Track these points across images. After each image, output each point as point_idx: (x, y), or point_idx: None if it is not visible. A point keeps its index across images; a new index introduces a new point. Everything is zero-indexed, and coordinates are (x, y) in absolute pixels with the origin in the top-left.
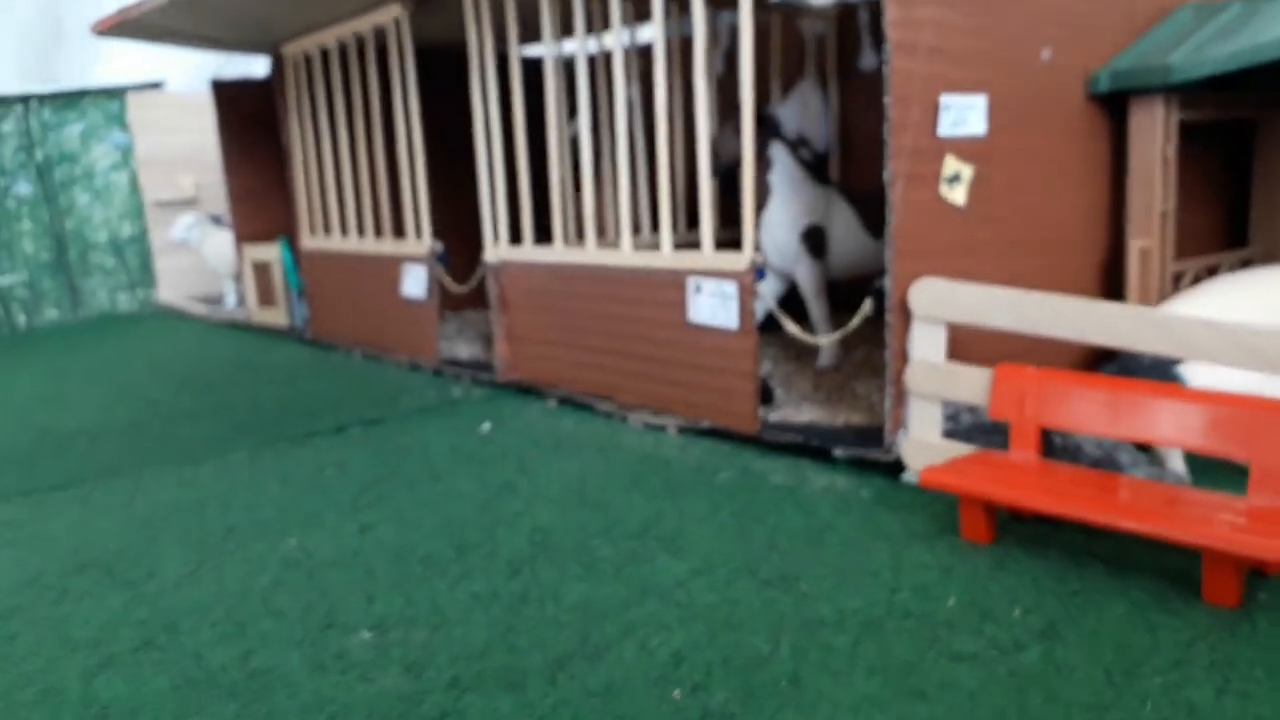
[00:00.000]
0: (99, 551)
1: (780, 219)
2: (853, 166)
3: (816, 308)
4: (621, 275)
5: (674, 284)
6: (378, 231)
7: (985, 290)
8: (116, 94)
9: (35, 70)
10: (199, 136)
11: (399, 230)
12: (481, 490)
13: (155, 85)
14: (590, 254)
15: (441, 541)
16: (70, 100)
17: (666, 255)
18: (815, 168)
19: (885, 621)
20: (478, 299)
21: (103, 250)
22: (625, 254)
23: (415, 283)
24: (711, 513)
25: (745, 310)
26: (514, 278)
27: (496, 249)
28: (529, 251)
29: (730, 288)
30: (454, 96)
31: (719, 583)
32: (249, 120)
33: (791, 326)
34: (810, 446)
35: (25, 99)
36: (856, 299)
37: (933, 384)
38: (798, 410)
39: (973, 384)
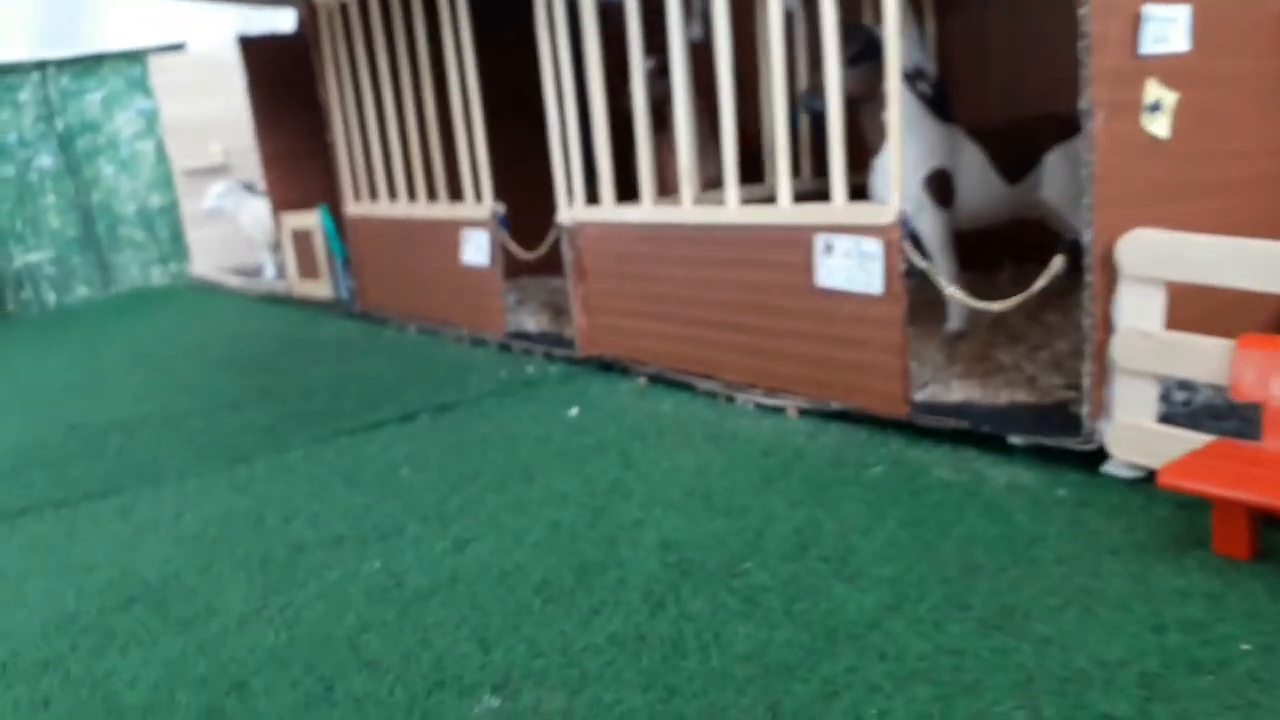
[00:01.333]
0: (146, 580)
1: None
2: (955, 102)
3: (943, 262)
4: (727, 235)
5: (796, 243)
6: (431, 195)
7: (1225, 243)
8: (137, 57)
9: (50, 35)
10: (225, 100)
11: (455, 193)
12: (586, 492)
13: (177, 47)
14: (687, 211)
15: (554, 560)
16: (89, 65)
17: (785, 209)
18: (937, 103)
19: (1169, 678)
20: (537, 265)
21: (132, 223)
22: (731, 210)
23: (476, 249)
24: (876, 521)
25: (891, 272)
26: (593, 241)
27: (571, 209)
28: (610, 211)
29: (872, 245)
30: (510, 39)
31: (924, 623)
32: (281, 79)
33: (952, 288)
34: (979, 433)
35: (42, 65)
36: (984, 254)
37: (1148, 358)
38: (946, 388)
39: (1204, 357)
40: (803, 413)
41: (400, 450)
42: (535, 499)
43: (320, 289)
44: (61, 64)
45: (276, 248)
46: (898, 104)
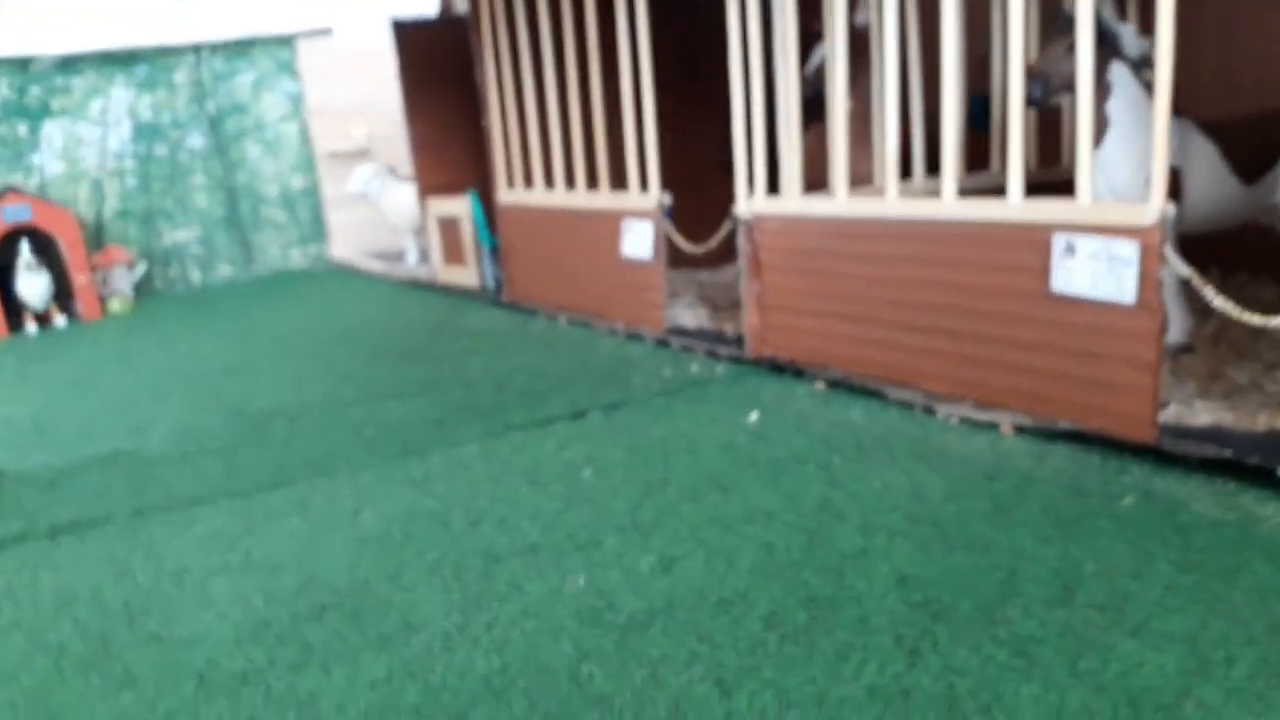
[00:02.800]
0: (335, 586)
1: (1121, 158)
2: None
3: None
4: (940, 231)
5: (1028, 242)
6: (591, 183)
7: None
8: (286, 41)
9: (205, 18)
10: (368, 85)
11: (618, 181)
12: (793, 510)
13: (324, 32)
14: (892, 204)
15: (778, 590)
16: (241, 48)
17: (1017, 205)
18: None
19: None
20: (683, 257)
21: (274, 204)
22: (948, 204)
23: (638, 241)
24: (1144, 563)
25: (1148, 279)
26: (773, 235)
27: (751, 201)
28: (796, 203)
29: (1127, 248)
30: (679, 21)
31: (1245, 694)
32: (432, 62)
33: (1220, 300)
34: (1238, 464)
35: (197, 48)
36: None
37: None
38: (1189, 409)
39: None
40: (1019, 430)
41: (577, 450)
42: (736, 514)
43: (466, 276)
44: (215, 47)
45: (419, 233)
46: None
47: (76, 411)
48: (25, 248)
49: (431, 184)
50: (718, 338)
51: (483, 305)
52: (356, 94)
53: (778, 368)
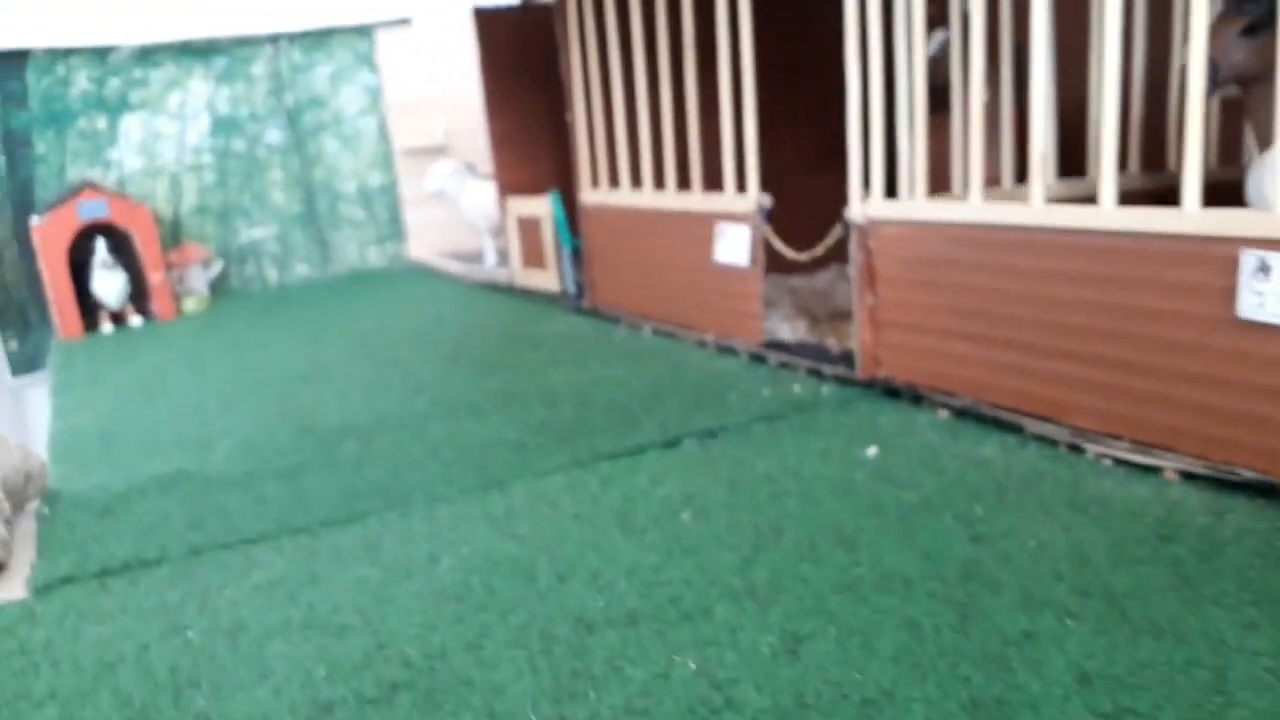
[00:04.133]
0: (407, 657)
1: None
2: None
3: None
4: (1097, 243)
5: (1209, 259)
6: (683, 183)
7: None
8: (365, 31)
9: (282, 7)
10: (448, 78)
11: (711, 181)
12: (933, 575)
13: (404, 21)
14: (1038, 211)
15: (932, 686)
16: (319, 39)
17: (1194, 214)
18: None
19: None
20: (778, 261)
21: (352, 201)
22: (1108, 212)
23: (733, 246)
24: None
25: None
26: (891, 242)
27: (866, 204)
28: (920, 207)
29: None
30: (774, 12)
31: None
32: (515, 53)
33: None
34: None
35: (275, 38)
36: None
37: None
38: None
39: None
40: (1186, 477)
41: (673, 486)
42: (868, 579)
43: (545, 280)
44: (294, 37)
45: (498, 233)
46: None
47: (142, 421)
48: (102, 245)
49: (511, 182)
50: (821, 354)
51: (563, 311)
52: (435, 87)
53: (892, 391)
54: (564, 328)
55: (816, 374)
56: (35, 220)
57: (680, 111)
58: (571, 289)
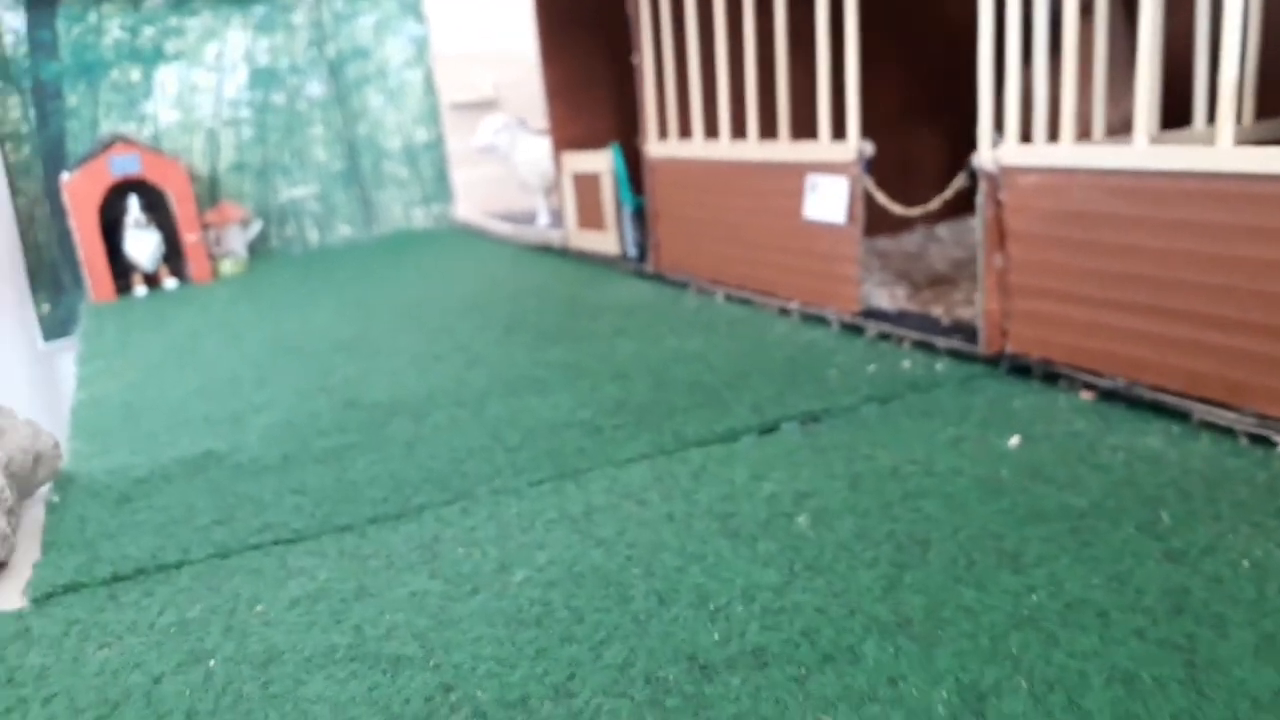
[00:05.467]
0: (478, 703)
1: None
2: None
3: None
4: None
5: None
6: (766, 131)
7: None
8: None
9: None
10: (497, 25)
11: (802, 129)
12: (1135, 607)
13: None
14: (1224, 155)
15: None
16: None
17: None
18: None
19: None
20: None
21: (396, 159)
22: None
23: (828, 201)
24: None
25: None
26: (1029, 194)
27: (997, 149)
28: (1066, 152)
29: None
30: None
31: None
32: None
33: None
34: None
35: None
36: None
37: None
38: None
39: None
40: None
41: (779, 481)
42: (1050, 611)
43: (604, 242)
44: None
45: (552, 192)
46: None
47: (171, 392)
48: (134, 203)
49: (567, 137)
50: (928, 324)
51: (624, 275)
52: (484, 38)
53: (1021, 368)
54: (627, 294)
55: (927, 347)
56: (65, 176)
57: (766, 51)
58: (632, 251)
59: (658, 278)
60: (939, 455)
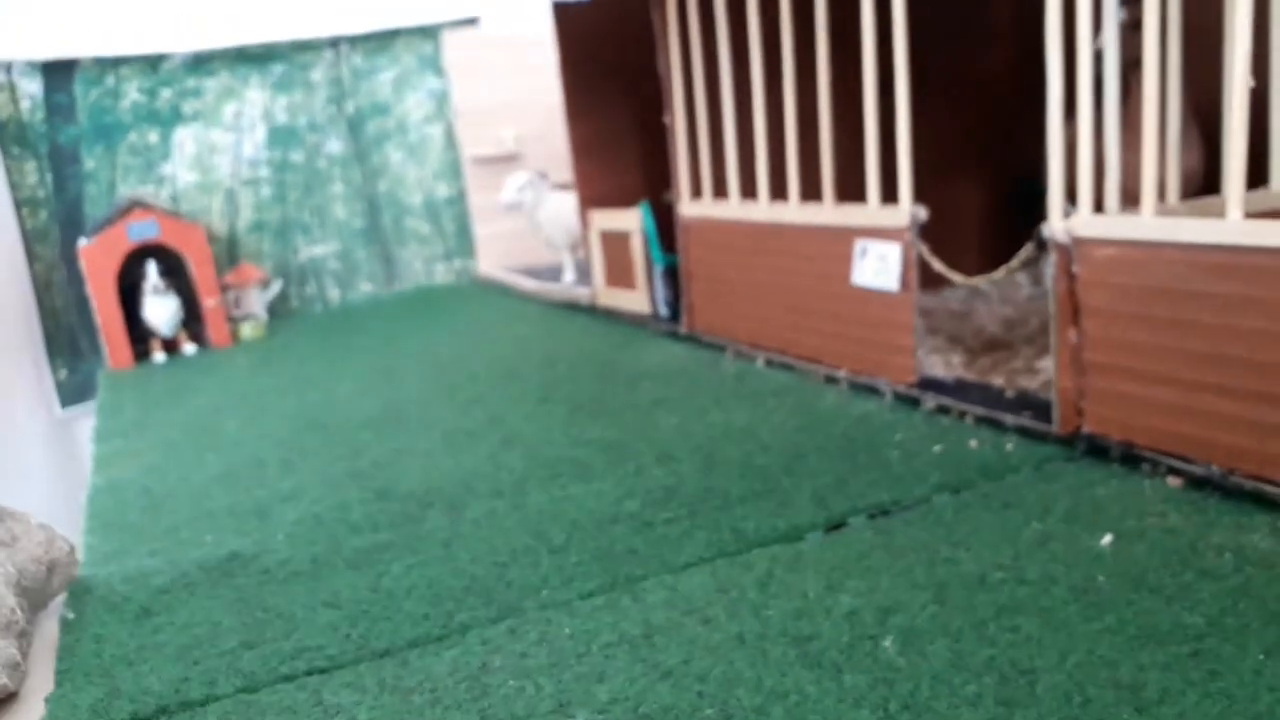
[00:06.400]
0: None
1: None
2: None
3: None
4: None
5: None
6: (808, 193)
7: None
8: (431, 33)
9: (342, 8)
10: (518, 80)
11: (846, 190)
12: None
13: (470, 21)
14: None
15: None
16: (382, 42)
17: None
18: None
19: None
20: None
21: (417, 215)
22: None
23: (879, 267)
24: None
25: None
26: (1104, 268)
27: (1072, 219)
28: (1148, 224)
29: None
30: None
31: None
32: (598, 50)
33: None
34: None
35: (335, 42)
36: None
37: None
38: None
39: None
40: None
41: (857, 593)
42: None
43: (634, 301)
44: (355, 40)
45: (577, 248)
46: None
47: (192, 476)
48: (152, 269)
49: (594, 194)
50: (990, 397)
51: (656, 336)
52: (504, 91)
53: (1097, 449)
54: (662, 358)
55: (992, 424)
56: (83, 242)
57: (806, 109)
58: (663, 311)
59: (692, 339)
60: (1028, 558)
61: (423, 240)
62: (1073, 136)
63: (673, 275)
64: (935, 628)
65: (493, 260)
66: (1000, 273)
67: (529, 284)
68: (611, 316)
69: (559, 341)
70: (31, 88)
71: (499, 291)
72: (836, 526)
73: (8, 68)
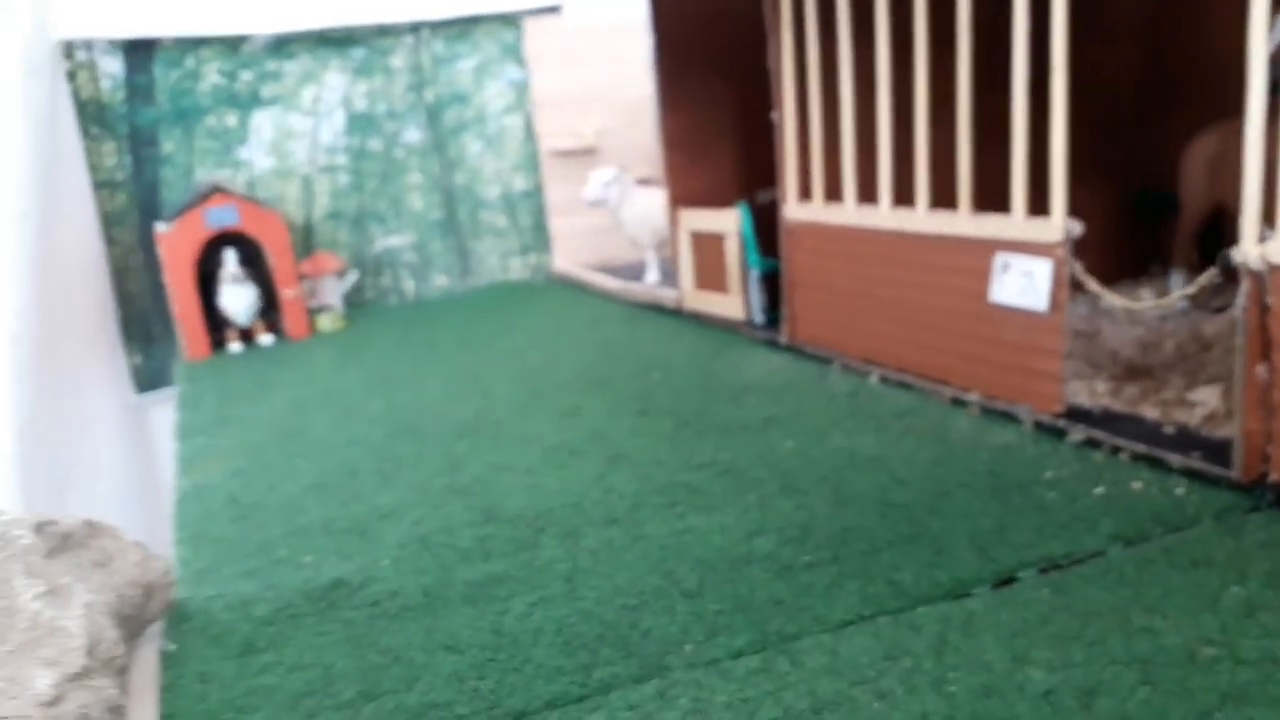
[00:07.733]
0: None
1: None
2: None
3: None
4: None
5: None
6: (940, 200)
7: None
8: (513, 20)
9: None
10: (600, 71)
11: (988, 200)
12: None
13: (553, 9)
14: None
15: None
16: (464, 28)
17: None
18: None
19: None
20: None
21: (494, 208)
22: None
23: (1025, 284)
24: None
25: None
26: None
27: (1270, 243)
28: None
29: None
30: None
31: None
32: (697, 41)
33: None
34: None
35: (416, 28)
36: None
37: None
38: None
39: None
40: None
41: (1049, 667)
42: None
43: (726, 306)
44: (436, 26)
45: (663, 247)
46: None
47: (282, 485)
48: (231, 257)
49: (684, 191)
50: (1147, 431)
51: (752, 344)
52: (585, 82)
53: None
54: (764, 369)
55: (1153, 463)
56: (161, 227)
57: (942, 109)
58: (759, 318)
59: (792, 350)
60: (1237, 631)
61: (499, 234)
62: (1273, 150)
63: (771, 281)
64: (1152, 717)
65: (568, 256)
66: (1175, 298)
67: (611, 283)
68: (699, 321)
69: (648, 346)
70: (112, 67)
71: (576, 289)
72: (1005, 582)
73: (89, 46)
